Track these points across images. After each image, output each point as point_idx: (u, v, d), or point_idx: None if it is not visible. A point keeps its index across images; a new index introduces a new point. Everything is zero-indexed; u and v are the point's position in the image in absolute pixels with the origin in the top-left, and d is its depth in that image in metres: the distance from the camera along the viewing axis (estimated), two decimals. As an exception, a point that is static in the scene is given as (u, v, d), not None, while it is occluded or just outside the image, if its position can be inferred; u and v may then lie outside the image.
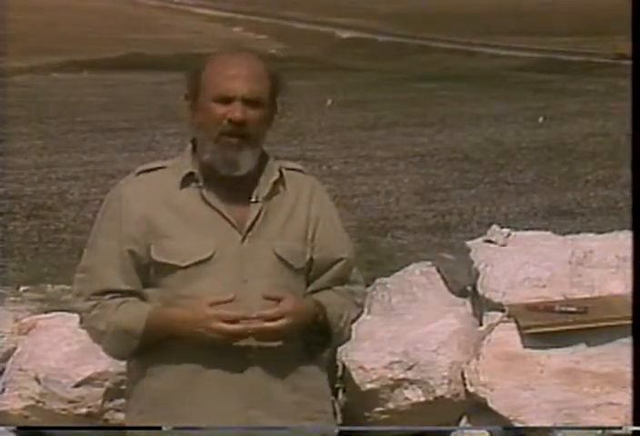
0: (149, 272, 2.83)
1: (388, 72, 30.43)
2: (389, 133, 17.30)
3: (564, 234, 4.26)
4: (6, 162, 13.62)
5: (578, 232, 4.36)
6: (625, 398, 3.54)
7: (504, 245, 4.12)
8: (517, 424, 3.64)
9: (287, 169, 2.93)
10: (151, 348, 2.81)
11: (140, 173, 2.90)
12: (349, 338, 3.01)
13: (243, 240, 2.80)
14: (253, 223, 2.81)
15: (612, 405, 3.60)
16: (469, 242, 4.24)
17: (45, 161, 14.42)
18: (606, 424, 3.57)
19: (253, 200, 2.82)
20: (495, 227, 4.24)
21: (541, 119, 18.16)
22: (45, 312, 4.17)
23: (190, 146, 2.89)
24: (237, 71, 2.78)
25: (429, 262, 4.18)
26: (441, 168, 13.49)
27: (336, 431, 3.09)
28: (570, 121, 18.30)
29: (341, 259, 2.93)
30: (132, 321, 2.78)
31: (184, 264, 2.78)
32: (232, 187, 2.82)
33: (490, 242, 4.16)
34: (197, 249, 2.78)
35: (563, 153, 14.63)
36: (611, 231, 4.19)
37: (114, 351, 2.87)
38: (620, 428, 3.58)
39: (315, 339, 2.87)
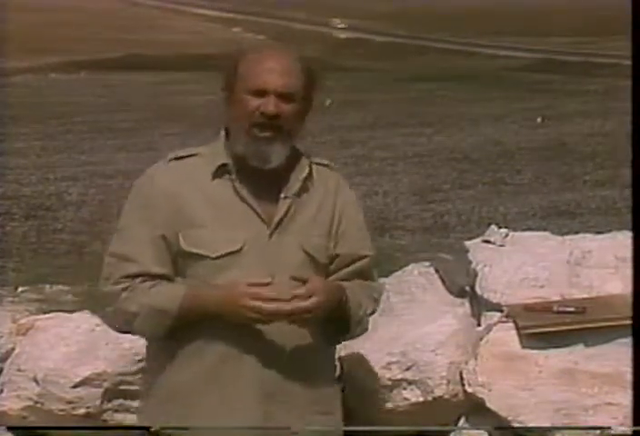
0: (177, 261, 2.84)
1: (387, 72, 30.40)
2: (388, 133, 17.26)
3: (562, 235, 4.26)
4: (5, 162, 13.58)
5: (577, 233, 4.36)
6: (624, 398, 3.54)
7: (502, 245, 4.12)
8: (516, 424, 3.64)
9: (316, 164, 2.95)
10: (179, 333, 2.81)
11: (171, 160, 2.91)
12: (365, 330, 3.03)
13: (271, 235, 2.83)
14: (281, 219, 2.83)
15: (610, 405, 3.60)
16: (467, 243, 4.25)
17: (44, 161, 14.38)
18: (605, 424, 3.57)
19: (282, 196, 2.85)
20: (493, 227, 4.24)
21: (539, 119, 18.12)
22: (44, 313, 4.17)
23: (223, 134, 2.90)
24: (273, 64, 2.81)
25: (427, 263, 4.18)
26: (440, 168, 13.46)
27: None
28: (569, 121, 18.26)
29: (365, 256, 2.97)
30: (167, 301, 2.79)
31: (214, 255, 2.80)
32: (263, 181, 2.84)
33: (488, 242, 4.16)
34: (227, 241, 2.80)
35: (562, 153, 14.59)
36: (609, 231, 4.19)
37: (146, 331, 2.87)
38: (619, 428, 3.58)
39: (334, 327, 2.89)
